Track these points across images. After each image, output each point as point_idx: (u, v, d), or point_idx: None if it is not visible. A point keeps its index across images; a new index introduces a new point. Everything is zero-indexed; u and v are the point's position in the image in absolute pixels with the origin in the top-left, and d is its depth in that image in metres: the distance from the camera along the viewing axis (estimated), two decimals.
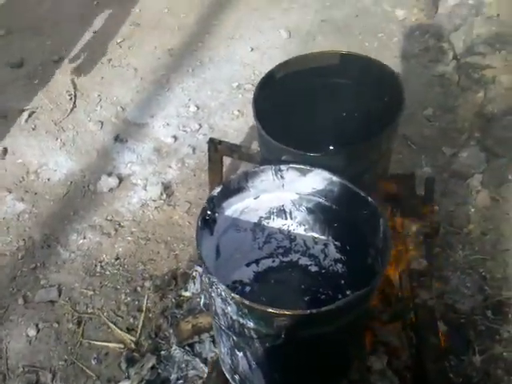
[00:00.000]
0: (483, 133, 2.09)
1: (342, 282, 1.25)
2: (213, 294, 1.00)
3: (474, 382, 1.43)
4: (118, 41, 2.74)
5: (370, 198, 1.10)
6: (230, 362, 1.11)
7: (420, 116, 2.22)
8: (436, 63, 2.45)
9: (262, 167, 1.19)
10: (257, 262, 1.34)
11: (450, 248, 1.74)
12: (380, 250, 1.05)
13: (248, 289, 1.30)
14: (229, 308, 0.97)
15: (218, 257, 1.22)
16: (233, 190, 1.19)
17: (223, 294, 0.96)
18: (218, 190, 1.15)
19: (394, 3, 2.76)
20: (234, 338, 1.01)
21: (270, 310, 0.90)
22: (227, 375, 1.16)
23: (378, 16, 2.72)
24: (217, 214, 1.17)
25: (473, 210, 1.84)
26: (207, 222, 1.14)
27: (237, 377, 1.12)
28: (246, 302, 0.91)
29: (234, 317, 0.97)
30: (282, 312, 0.90)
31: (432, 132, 2.17)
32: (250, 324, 0.96)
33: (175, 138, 2.25)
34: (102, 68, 2.61)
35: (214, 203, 1.15)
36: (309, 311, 0.90)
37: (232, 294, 0.93)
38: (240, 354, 1.04)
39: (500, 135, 2.04)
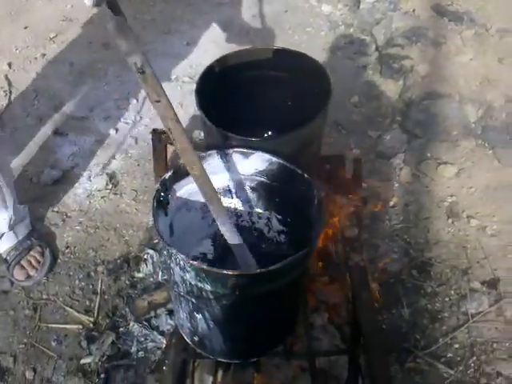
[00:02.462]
0: (404, 117, 2.30)
1: (286, 249, 1.39)
2: (171, 265, 1.11)
3: (404, 332, 1.62)
4: (51, 36, 2.74)
5: (305, 175, 1.23)
6: (189, 325, 1.21)
7: (348, 103, 2.40)
8: (360, 55, 2.65)
9: (208, 152, 1.29)
10: (206, 237, 1.45)
11: (378, 219, 1.93)
12: (316, 218, 1.19)
13: (201, 258, 1.41)
14: (187, 275, 1.08)
15: (171, 235, 1.32)
16: (183, 173, 1.29)
17: (182, 262, 1.06)
18: (169, 173, 1.25)
19: None
20: (194, 301, 1.12)
21: (225, 272, 1.01)
22: (187, 339, 1.26)
23: (305, 11, 2.89)
24: (169, 196, 1.27)
25: (397, 185, 2.05)
26: (161, 203, 1.23)
27: (196, 338, 1.23)
28: (204, 267, 1.02)
29: (193, 282, 1.08)
30: (235, 273, 1.02)
31: (359, 117, 2.36)
32: (208, 287, 1.07)
33: (116, 129, 2.30)
34: (37, 63, 2.60)
35: (167, 185, 1.25)
36: (258, 270, 1.03)
37: (191, 262, 1.03)
38: (199, 316, 1.15)
39: (418, 118, 2.27)
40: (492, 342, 1.58)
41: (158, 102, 0.94)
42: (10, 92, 2.45)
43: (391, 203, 1.97)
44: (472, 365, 1.54)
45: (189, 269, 1.06)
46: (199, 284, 1.07)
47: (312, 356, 1.28)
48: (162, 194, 1.22)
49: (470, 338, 1.59)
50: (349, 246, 1.48)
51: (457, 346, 1.58)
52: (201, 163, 1.07)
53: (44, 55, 2.63)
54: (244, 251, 1.23)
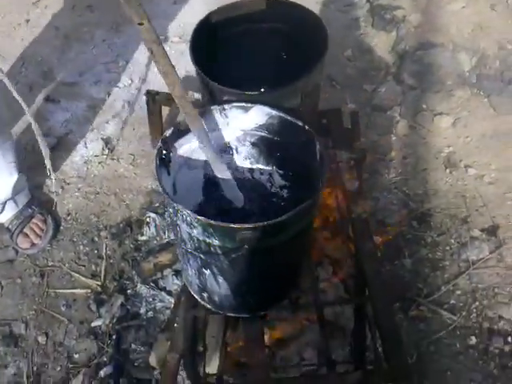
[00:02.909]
0: (398, 68, 2.28)
1: (288, 204, 1.40)
2: (178, 222, 1.11)
3: (406, 281, 1.65)
4: (34, 1, 2.65)
5: (306, 126, 1.23)
6: (197, 281, 1.23)
7: (341, 57, 2.37)
8: (352, 7, 2.60)
9: (206, 107, 1.28)
10: (209, 196, 1.45)
11: (377, 173, 1.94)
12: (318, 170, 1.20)
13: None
14: (194, 231, 1.08)
15: (174, 193, 1.32)
16: (182, 131, 1.27)
17: (188, 218, 1.06)
18: (169, 131, 1.24)
19: None
20: (202, 256, 1.13)
21: (233, 226, 1.02)
22: (196, 296, 1.28)
23: None
24: (171, 154, 1.26)
25: (394, 138, 2.05)
26: (163, 161, 1.23)
27: (205, 294, 1.25)
28: (212, 222, 1.02)
29: (201, 238, 1.09)
30: (243, 226, 1.02)
31: (353, 71, 2.33)
32: (215, 242, 1.07)
33: (108, 94, 2.26)
34: (21, 29, 2.53)
35: (168, 143, 1.24)
36: (266, 222, 1.03)
37: (198, 217, 1.04)
38: (207, 272, 1.17)
39: (412, 69, 2.24)
40: (493, 287, 1.62)
41: (141, 24, 0.94)
42: None
43: (389, 157, 1.98)
44: (474, 310, 1.58)
45: (196, 224, 1.06)
46: (207, 239, 1.08)
47: (319, 307, 1.31)
48: (164, 151, 1.22)
49: (472, 285, 1.63)
50: (350, 198, 1.49)
51: (459, 292, 1.62)
52: (180, 84, 1.06)
53: (28, 21, 2.56)
54: (232, 186, 1.26)
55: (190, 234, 1.11)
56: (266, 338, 1.37)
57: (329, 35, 1.42)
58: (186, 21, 2.51)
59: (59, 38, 2.48)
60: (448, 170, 1.93)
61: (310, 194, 1.14)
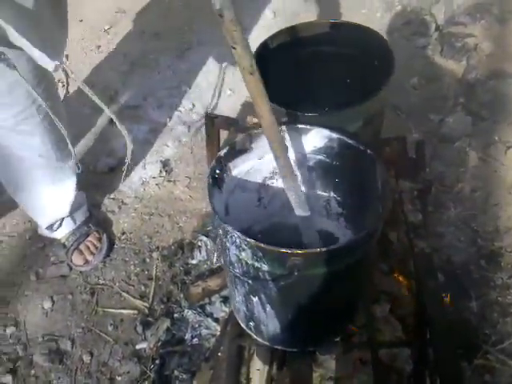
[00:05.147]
0: (468, 98, 2.17)
1: (345, 233, 1.32)
2: (227, 244, 1.06)
3: (473, 325, 1.51)
4: (106, 28, 2.77)
5: (368, 150, 1.16)
6: (244, 309, 1.17)
7: (406, 85, 2.29)
8: (419, 35, 2.52)
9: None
10: (263, 220, 1.40)
11: (443, 206, 1.82)
12: (379, 197, 1.12)
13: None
14: (243, 254, 1.03)
15: (226, 214, 1.29)
16: (238, 150, 1.24)
17: (237, 240, 1.02)
18: (224, 150, 1.21)
19: None
20: (250, 282, 1.07)
21: (283, 250, 0.96)
22: (242, 324, 1.22)
23: None
24: (225, 174, 1.23)
25: (462, 170, 1.92)
26: (216, 180, 1.19)
27: (252, 323, 1.19)
28: (261, 245, 0.97)
29: (250, 261, 1.03)
30: (294, 251, 0.96)
31: (418, 100, 2.24)
32: (265, 267, 1.02)
33: (169, 117, 2.29)
34: (92, 55, 2.64)
35: (222, 163, 1.21)
36: (318, 249, 0.97)
37: (247, 239, 0.99)
38: (255, 299, 1.11)
39: (484, 99, 2.12)
40: None
41: (234, 48, 0.93)
42: (68, 83, 2.50)
43: (456, 189, 1.86)
44: None
45: (245, 247, 1.01)
46: (256, 264, 1.03)
47: (375, 347, 1.21)
48: (218, 171, 1.19)
49: None
50: (412, 231, 1.39)
51: None
52: (272, 115, 1.03)
53: (99, 47, 2.67)
54: (309, 225, 1.18)
55: (238, 257, 1.06)
56: (315, 376, 1.28)
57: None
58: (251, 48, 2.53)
59: (126, 63, 2.56)
60: None
61: (368, 223, 1.06)
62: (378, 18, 2.65)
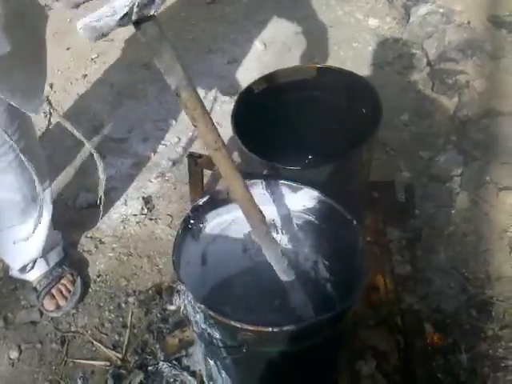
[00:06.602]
0: (459, 136, 2.12)
1: (331, 296, 1.24)
2: (185, 302, 1.00)
3: (462, 381, 1.43)
4: (93, 57, 2.73)
5: (354, 221, 1.08)
6: (204, 368, 1.10)
7: (397, 122, 2.25)
8: (410, 70, 2.50)
9: (251, 181, 1.16)
10: (245, 273, 1.33)
11: (432, 250, 1.75)
12: (358, 269, 1.04)
13: (234, 292, 1.28)
14: (197, 316, 0.97)
15: (203, 264, 1.22)
16: (221, 200, 1.18)
17: (192, 302, 0.95)
18: (203, 199, 1.15)
19: (366, 12, 2.81)
20: (204, 346, 1.00)
21: (233, 324, 0.88)
22: (205, 381, 1.14)
23: (351, 26, 2.76)
24: (201, 224, 1.17)
25: (453, 211, 1.86)
26: (190, 230, 1.13)
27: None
28: (211, 313, 0.90)
29: (203, 326, 0.97)
30: (244, 327, 0.88)
31: (409, 137, 2.19)
32: (217, 335, 0.95)
33: (154, 151, 2.23)
34: (78, 84, 2.59)
35: (199, 212, 1.15)
36: (270, 329, 0.87)
37: (198, 304, 0.92)
38: (211, 362, 1.04)
39: (476, 138, 2.08)
40: None
41: (195, 126, 0.87)
42: (51, 113, 2.43)
43: (447, 232, 1.79)
44: None
45: (198, 310, 0.94)
46: (208, 329, 0.96)
47: None
48: (192, 221, 1.12)
49: None
50: (401, 284, 1.33)
51: None
52: (244, 188, 0.95)
53: (85, 76, 2.62)
54: (297, 290, 1.10)
55: (194, 318, 0.99)
56: None
57: (384, 98, 1.31)
58: (239, 81, 2.49)
59: (113, 94, 2.51)
60: None
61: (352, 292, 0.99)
62: (369, 52, 2.62)
